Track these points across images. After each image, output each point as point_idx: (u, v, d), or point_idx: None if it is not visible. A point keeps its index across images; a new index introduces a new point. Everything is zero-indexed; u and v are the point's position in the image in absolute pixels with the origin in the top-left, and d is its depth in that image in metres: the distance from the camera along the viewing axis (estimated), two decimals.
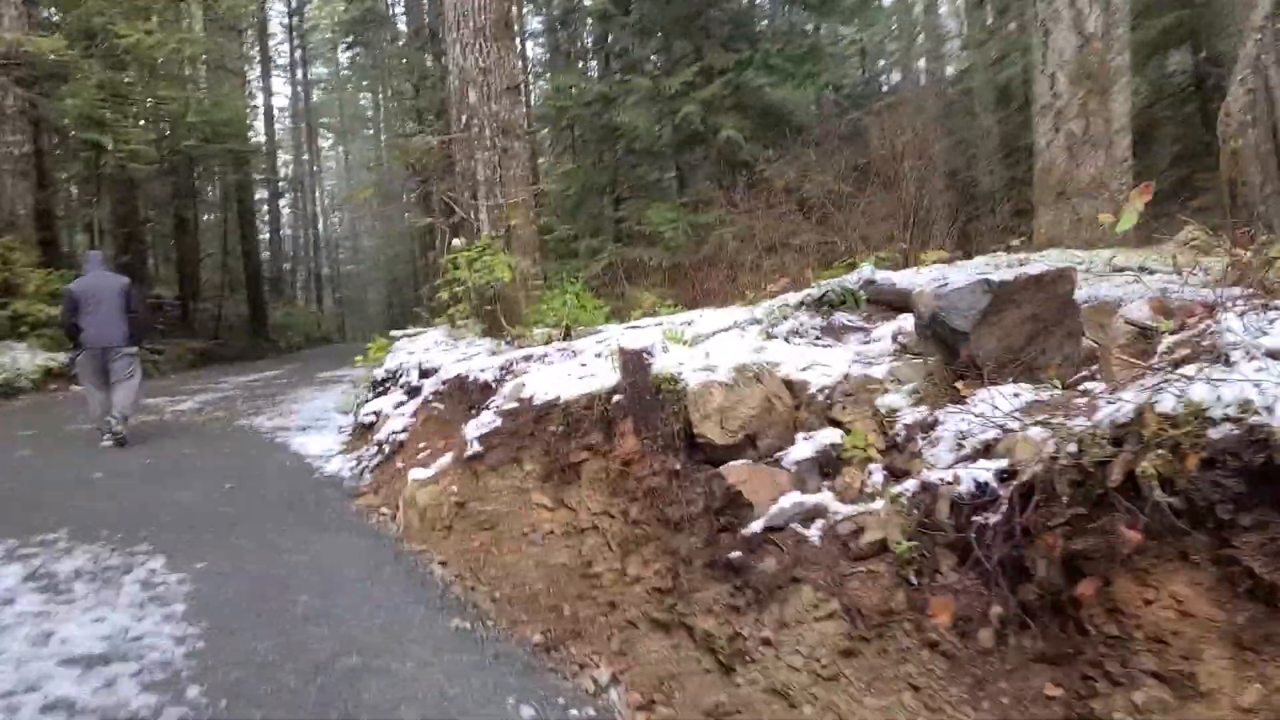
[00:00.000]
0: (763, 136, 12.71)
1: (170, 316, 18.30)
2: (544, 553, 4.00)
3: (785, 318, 4.18)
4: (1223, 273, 2.97)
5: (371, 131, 32.31)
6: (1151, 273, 4.13)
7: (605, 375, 4.01)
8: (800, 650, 2.88)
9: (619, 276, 11.22)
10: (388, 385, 6.38)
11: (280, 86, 32.99)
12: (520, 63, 15.61)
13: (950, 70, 18.34)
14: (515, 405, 4.27)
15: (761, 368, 3.43)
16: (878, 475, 3.11)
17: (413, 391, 5.92)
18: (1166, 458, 1.91)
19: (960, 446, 2.75)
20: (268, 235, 29.59)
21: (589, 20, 16.33)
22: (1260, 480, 1.82)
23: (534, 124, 15.59)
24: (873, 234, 9.95)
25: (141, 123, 16.31)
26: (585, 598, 3.81)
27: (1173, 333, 2.45)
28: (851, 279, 4.30)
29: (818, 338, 4.06)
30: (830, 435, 3.30)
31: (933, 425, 2.95)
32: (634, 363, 3.64)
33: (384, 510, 4.74)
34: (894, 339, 3.74)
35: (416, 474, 4.51)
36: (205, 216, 22.60)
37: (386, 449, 5.48)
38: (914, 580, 2.61)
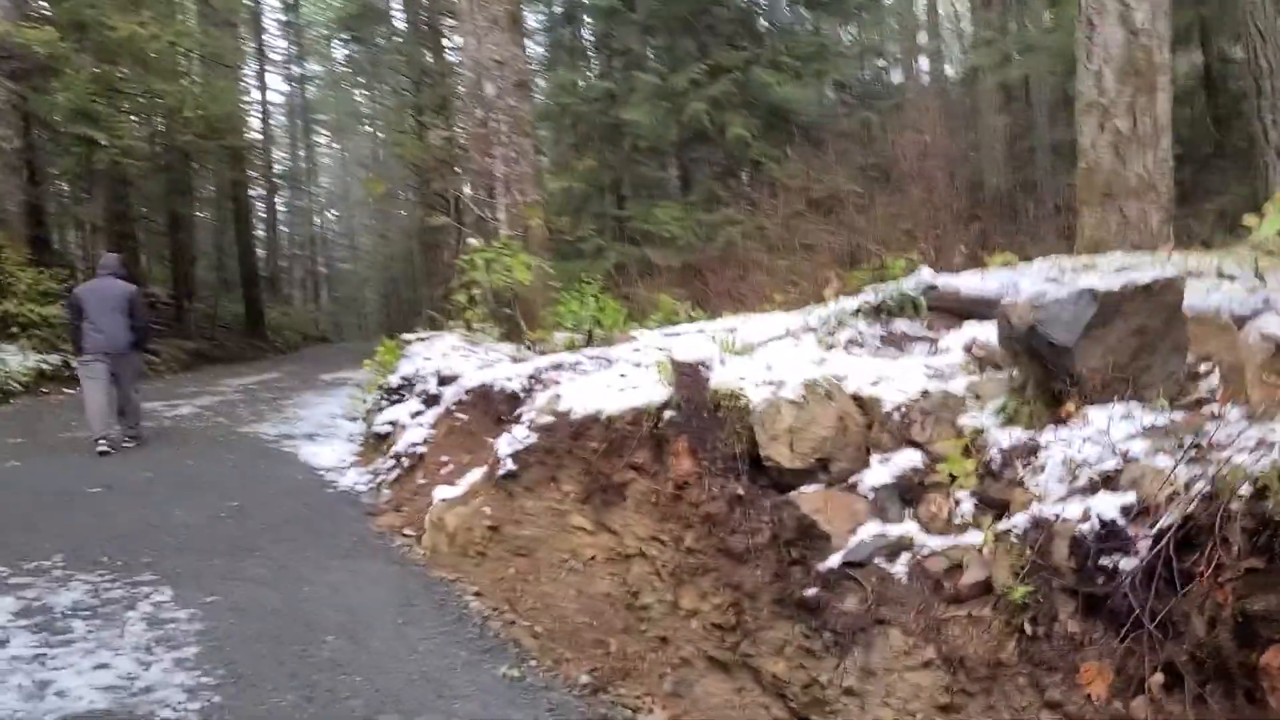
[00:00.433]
0: (769, 135, 12.46)
1: (164, 316, 17.89)
2: (584, 581, 3.72)
3: (842, 324, 3.90)
4: None
5: (369, 128, 31.87)
6: (1232, 279, 3.87)
7: (650, 387, 3.73)
8: (890, 703, 2.61)
9: (628, 277, 10.92)
10: (403, 392, 6.05)
11: (275, 82, 32.52)
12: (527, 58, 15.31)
13: (950, 71, 18.11)
14: (551, 419, 3.98)
15: (831, 383, 3.15)
16: (967, 504, 2.83)
17: (431, 400, 5.62)
18: None
19: (1073, 476, 2.47)
20: (263, 233, 29.12)
21: (587, 18, 16.03)
22: None
23: (537, 121, 15.26)
24: (891, 235, 9.70)
25: (135, 118, 15.90)
26: (632, 631, 3.53)
27: None
28: (909, 284, 4.02)
29: (878, 348, 3.79)
30: (909, 458, 3.02)
31: (1034, 450, 2.67)
32: (689, 376, 3.35)
33: (407, 531, 4.43)
34: (968, 351, 3.47)
35: (443, 493, 4.21)
36: (200, 214, 22.13)
37: (405, 462, 5.18)
38: (1029, 629, 2.34)
